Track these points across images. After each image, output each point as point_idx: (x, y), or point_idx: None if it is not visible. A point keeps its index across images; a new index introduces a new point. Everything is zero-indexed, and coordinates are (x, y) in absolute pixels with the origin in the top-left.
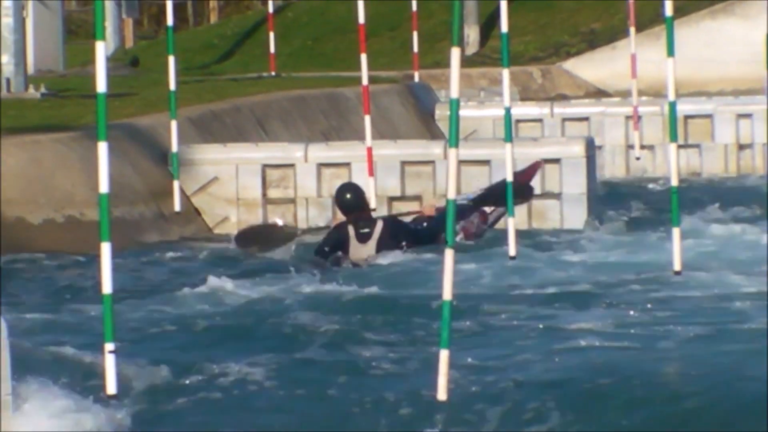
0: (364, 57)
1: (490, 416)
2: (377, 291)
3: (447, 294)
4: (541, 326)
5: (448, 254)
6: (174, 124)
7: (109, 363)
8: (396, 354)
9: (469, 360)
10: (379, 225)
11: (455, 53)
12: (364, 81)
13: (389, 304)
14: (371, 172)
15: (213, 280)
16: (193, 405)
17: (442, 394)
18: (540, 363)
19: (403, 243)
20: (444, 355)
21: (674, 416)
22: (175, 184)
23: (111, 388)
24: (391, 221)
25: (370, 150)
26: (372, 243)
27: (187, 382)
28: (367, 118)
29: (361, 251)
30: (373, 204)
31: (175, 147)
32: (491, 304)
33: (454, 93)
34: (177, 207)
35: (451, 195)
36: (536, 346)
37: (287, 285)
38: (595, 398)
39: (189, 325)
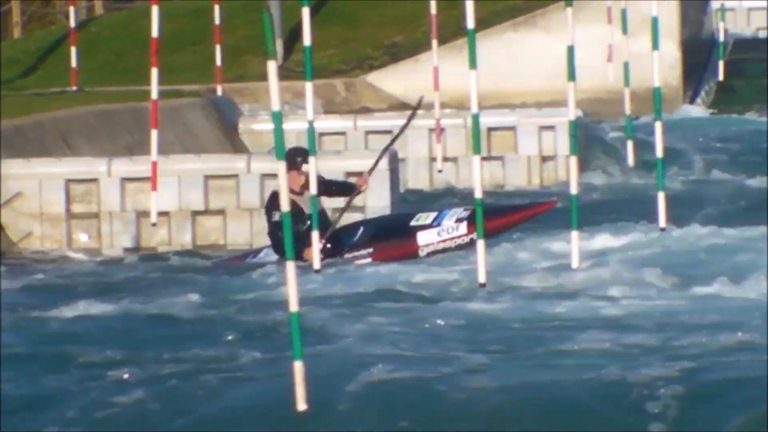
0: (155, 71)
1: (351, 423)
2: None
3: (293, 306)
4: (363, 333)
5: (290, 266)
6: None
7: None
8: (256, 366)
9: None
10: None
11: (272, 66)
12: (153, 95)
13: (239, 314)
14: (154, 186)
15: (17, 298)
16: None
17: (301, 405)
18: (383, 370)
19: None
20: (298, 366)
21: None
22: None
23: None
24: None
25: (154, 164)
26: None
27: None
28: (154, 133)
29: None
30: (153, 219)
31: None
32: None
33: (276, 106)
34: None
35: (285, 208)
36: (375, 355)
37: (114, 300)
38: (439, 404)
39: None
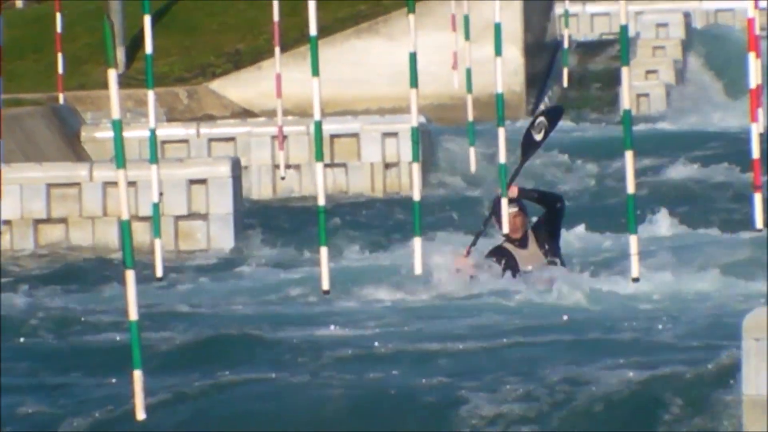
0: None
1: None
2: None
3: (133, 315)
4: (208, 348)
5: (129, 275)
6: None
7: None
8: (101, 374)
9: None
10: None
11: (112, 74)
12: None
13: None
14: None
15: None
16: None
17: (140, 414)
18: (229, 385)
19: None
20: (137, 375)
21: None
22: None
23: None
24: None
25: None
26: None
27: None
28: (1, 142)
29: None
30: None
31: None
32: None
33: (116, 114)
34: None
35: (125, 216)
36: (217, 365)
37: None
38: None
39: None
